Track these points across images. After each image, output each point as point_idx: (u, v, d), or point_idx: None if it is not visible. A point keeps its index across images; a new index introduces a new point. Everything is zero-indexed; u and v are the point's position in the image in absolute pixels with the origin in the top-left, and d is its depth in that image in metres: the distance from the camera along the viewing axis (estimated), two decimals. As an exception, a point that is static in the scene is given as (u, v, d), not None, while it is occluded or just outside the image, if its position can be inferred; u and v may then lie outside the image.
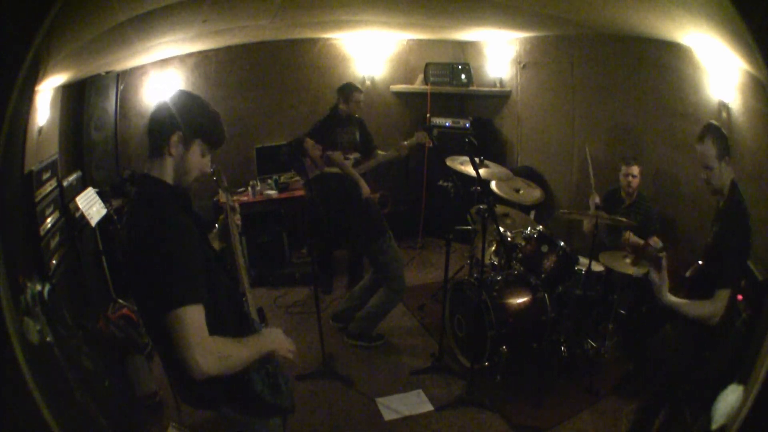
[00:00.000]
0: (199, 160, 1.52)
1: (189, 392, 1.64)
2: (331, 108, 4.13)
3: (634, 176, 3.34)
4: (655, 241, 2.23)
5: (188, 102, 1.51)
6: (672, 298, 2.00)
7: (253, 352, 1.52)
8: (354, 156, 4.13)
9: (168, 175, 1.49)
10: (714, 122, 2.12)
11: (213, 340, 1.38)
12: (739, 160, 2.47)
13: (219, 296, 1.52)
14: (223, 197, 2.00)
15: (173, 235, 1.38)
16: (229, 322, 1.58)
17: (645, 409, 2.45)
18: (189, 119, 1.46)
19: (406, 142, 4.05)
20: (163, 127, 1.45)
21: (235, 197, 4.69)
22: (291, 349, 1.64)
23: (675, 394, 2.20)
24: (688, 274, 2.19)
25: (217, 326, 1.42)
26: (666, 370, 2.37)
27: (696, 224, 3.32)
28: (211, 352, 1.35)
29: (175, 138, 1.45)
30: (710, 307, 1.92)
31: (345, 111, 4.05)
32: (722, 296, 1.90)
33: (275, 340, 1.61)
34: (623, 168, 3.39)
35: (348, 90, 4.04)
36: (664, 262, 2.00)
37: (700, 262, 2.15)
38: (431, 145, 4.33)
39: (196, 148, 1.50)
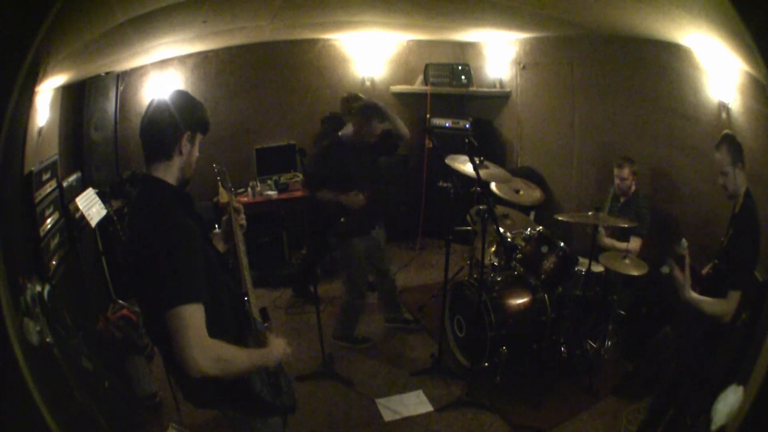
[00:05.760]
0: (197, 151, 1.61)
1: (190, 391, 1.65)
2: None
3: (623, 178, 3.44)
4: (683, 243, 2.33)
5: (187, 101, 1.57)
6: (693, 295, 2.13)
7: (254, 362, 1.54)
8: None
9: (173, 175, 1.55)
10: (729, 132, 2.31)
11: (213, 343, 1.39)
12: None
13: (220, 296, 1.54)
14: (224, 198, 2.01)
15: (175, 235, 1.41)
16: (230, 321, 1.60)
17: (654, 411, 2.48)
18: (192, 117, 1.55)
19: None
20: (171, 129, 1.51)
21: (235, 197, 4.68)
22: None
23: (679, 395, 2.22)
24: (704, 272, 2.31)
25: (217, 326, 1.43)
26: (671, 371, 2.41)
27: (696, 223, 3.32)
28: (209, 353, 1.36)
29: (185, 138, 1.53)
30: (725, 306, 2.04)
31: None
32: (734, 297, 2.02)
33: (277, 356, 1.62)
34: (615, 170, 3.49)
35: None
36: (687, 261, 2.14)
37: (716, 261, 2.27)
38: (432, 146, 4.34)
39: (197, 142, 1.59)
